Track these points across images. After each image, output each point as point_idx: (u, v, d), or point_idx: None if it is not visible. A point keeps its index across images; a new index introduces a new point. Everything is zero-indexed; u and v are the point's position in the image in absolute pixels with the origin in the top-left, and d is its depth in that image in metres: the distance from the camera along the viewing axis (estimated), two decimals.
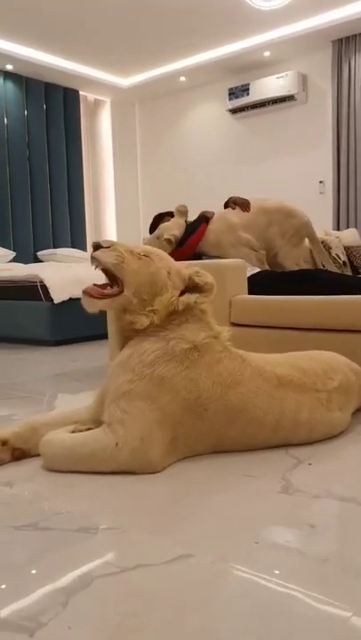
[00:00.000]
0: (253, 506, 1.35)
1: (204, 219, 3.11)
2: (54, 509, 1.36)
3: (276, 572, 1.05)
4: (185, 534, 1.21)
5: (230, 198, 3.30)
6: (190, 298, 1.69)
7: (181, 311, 1.68)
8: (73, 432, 1.68)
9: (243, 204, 3.20)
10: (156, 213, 3.39)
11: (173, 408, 1.57)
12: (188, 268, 1.76)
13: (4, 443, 1.69)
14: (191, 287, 1.73)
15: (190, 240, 3.00)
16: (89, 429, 1.70)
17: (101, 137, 7.54)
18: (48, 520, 1.30)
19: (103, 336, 4.28)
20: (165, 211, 3.34)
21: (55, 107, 6.80)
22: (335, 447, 1.76)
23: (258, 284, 2.83)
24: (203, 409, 1.61)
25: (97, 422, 1.73)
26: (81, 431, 1.69)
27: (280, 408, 1.69)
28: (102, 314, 3.37)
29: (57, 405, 2.57)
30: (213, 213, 3.17)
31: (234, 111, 6.55)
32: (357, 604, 0.94)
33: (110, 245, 1.70)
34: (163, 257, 1.75)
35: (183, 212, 3.16)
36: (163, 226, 3.12)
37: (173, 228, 3.08)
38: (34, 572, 1.07)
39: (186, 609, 0.94)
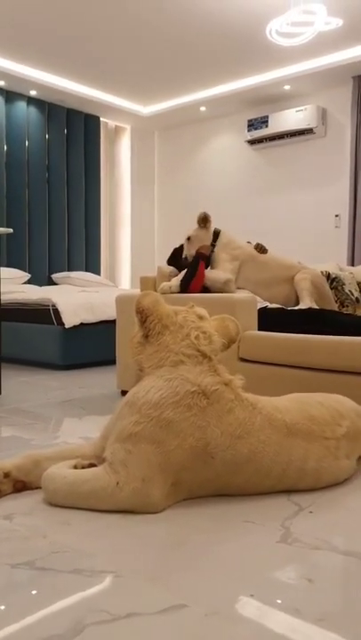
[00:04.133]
0: (251, 555, 1.33)
1: (201, 257, 3.12)
2: (51, 547, 1.35)
3: (269, 629, 1.03)
4: (180, 583, 1.19)
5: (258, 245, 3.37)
6: (137, 334, 1.77)
7: (166, 350, 1.70)
8: (75, 467, 1.68)
9: (261, 248, 3.27)
10: (177, 246, 3.41)
11: (179, 454, 1.57)
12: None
13: (7, 475, 1.69)
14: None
15: (193, 284, 3.02)
16: (91, 464, 1.70)
17: (120, 163, 7.65)
18: (44, 559, 1.29)
19: (112, 361, 4.29)
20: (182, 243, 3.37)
21: (76, 132, 6.92)
22: (338, 495, 1.74)
23: (265, 320, 2.83)
24: (210, 457, 1.60)
25: (100, 458, 1.73)
26: (83, 466, 1.69)
27: (288, 458, 1.68)
28: (112, 340, 3.41)
29: (60, 434, 2.57)
30: (209, 250, 3.19)
31: (252, 142, 6.62)
32: None
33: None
34: None
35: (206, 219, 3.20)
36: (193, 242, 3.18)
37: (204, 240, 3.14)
38: (27, 615, 1.07)
39: None
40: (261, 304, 3.05)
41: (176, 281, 3.06)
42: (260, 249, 3.28)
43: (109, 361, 4.47)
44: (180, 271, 3.25)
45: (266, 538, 1.43)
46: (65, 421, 2.84)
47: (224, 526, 1.50)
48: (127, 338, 1.82)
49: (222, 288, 3.09)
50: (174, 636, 1.01)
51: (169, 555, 1.33)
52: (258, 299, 3.06)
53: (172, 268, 3.30)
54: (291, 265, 3.46)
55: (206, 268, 3.13)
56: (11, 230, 3.31)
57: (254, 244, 3.34)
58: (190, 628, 1.03)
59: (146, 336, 1.73)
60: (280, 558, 1.31)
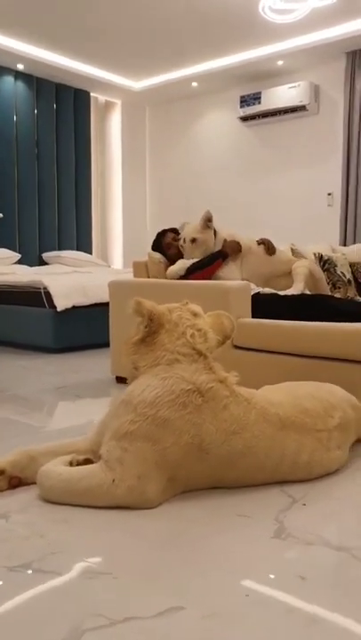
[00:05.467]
0: (246, 552, 1.35)
1: (224, 256, 3.07)
2: (48, 548, 1.37)
3: (264, 632, 1.05)
4: (176, 583, 1.21)
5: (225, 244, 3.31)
6: (134, 336, 1.77)
7: (162, 349, 1.71)
8: (70, 462, 1.70)
9: (270, 247, 3.25)
10: (160, 230, 3.39)
11: (175, 451, 1.58)
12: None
13: (2, 472, 1.70)
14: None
15: (202, 273, 2.99)
16: (87, 460, 1.72)
17: (111, 139, 7.54)
18: (41, 561, 1.31)
19: (106, 344, 4.29)
20: (169, 227, 3.34)
21: (65, 107, 6.80)
22: (331, 485, 1.76)
23: (258, 306, 2.83)
24: (205, 453, 1.62)
25: (95, 453, 1.74)
26: (78, 461, 1.71)
27: (281, 452, 1.70)
28: (106, 323, 3.40)
29: (54, 424, 2.58)
30: (236, 248, 3.14)
31: (245, 119, 6.54)
32: None
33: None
34: None
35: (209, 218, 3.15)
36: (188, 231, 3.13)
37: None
38: (25, 621, 1.08)
39: None
40: (254, 290, 3.04)
41: (183, 264, 3.03)
42: (268, 248, 3.24)
43: (103, 344, 4.46)
44: (167, 259, 3.23)
45: (260, 533, 1.45)
46: (62, 409, 2.85)
47: (219, 521, 1.52)
48: (123, 340, 1.81)
49: None
50: None
51: (165, 553, 1.35)
52: (252, 285, 3.05)
53: (160, 254, 3.27)
54: (289, 259, 3.45)
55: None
56: (0, 215, 3.27)
57: (259, 239, 3.29)
58: (188, 631, 1.06)
59: (144, 337, 1.73)
60: (274, 555, 1.34)
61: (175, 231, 3.25)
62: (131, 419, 1.59)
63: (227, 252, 3.07)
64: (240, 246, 3.14)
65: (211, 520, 1.53)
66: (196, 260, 3.04)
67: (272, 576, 1.25)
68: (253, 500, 1.65)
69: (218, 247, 3.10)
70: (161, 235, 3.32)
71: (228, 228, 3.28)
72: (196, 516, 1.54)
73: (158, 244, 3.30)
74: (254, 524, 1.51)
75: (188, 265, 3.00)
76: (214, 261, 3.02)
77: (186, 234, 3.08)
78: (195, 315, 1.80)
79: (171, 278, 3.02)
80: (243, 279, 3.13)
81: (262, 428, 1.69)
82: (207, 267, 3.00)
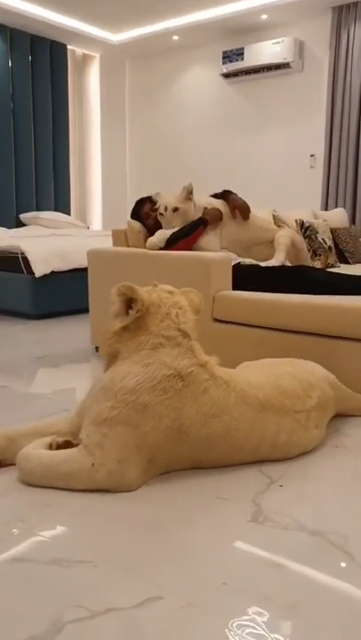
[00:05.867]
0: (223, 538, 1.38)
1: (205, 223, 3.02)
2: (29, 534, 1.38)
3: (242, 621, 1.09)
4: (155, 572, 1.24)
5: (232, 197, 3.23)
6: (116, 324, 1.72)
7: (147, 333, 1.69)
8: (50, 445, 1.70)
9: (244, 211, 3.17)
10: (138, 198, 3.32)
11: (155, 435, 1.59)
12: (114, 288, 1.74)
13: None
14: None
15: (184, 242, 2.94)
16: (67, 442, 1.72)
17: (89, 94, 7.30)
18: (22, 548, 1.32)
19: (85, 310, 4.26)
20: (147, 195, 3.27)
21: (41, 60, 6.54)
22: (307, 464, 1.80)
23: (238, 277, 2.81)
24: (185, 435, 1.63)
25: (75, 435, 1.75)
26: (58, 443, 1.71)
27: (260, 434, 1.73)
28: (85, 289, 3.36)
29: (34, 390, 2.57)
30: (218, 216, 3.09)
31: (227, 75, 6.36)
32: None
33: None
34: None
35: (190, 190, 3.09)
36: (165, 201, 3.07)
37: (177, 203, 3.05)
38: (5, 613, 1.10)
39: None
40: (235, 260, 3.02)
41: (163, 235, 2.99)
42: (242, 212, 3.17)
43: (82, 309, 4.43)
44: (147, 229, 3.18)
45: (238, 517, 1.48)
46: (37, 383, 2.85)
47: (197, 504, 1.55)
48: (102, 331, 1.78)
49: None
50: (153, 631, 1.06)
51: (144, 540, 1.37)
52: (232, 255, 3.03)
53: (139, 224, 3.22)
54: (270, 227, 3.42)
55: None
56: None
57: (231, 204, 3.22)
58: (167, 621, 1.08)
59: (127, 325, 1.70)
60: (251, 541, 1.37)
61: (153, 200, 3.19)
62: (111, 405, 1.59)
63: (207, 220, 3.03)
64: (221, 214, 3.10)
65: (190, 503, 1.55)
66: (175, 229, 3.00)
67: (249, 563, 1.28)
68: (232, 481, 1.68)
69: (198, 215, 3.05)
70: (139, 204, 3.26)
71: (205, 197, 3.22)
72: (175, 499, 1.57)
73: (137, 213, 3.24)
74: (232, 506, 1.54)
75: (168, 235, 2.96)
76: (195, 229, 2.97)
77: (167, 202, 3.03)
78: (170, 293, 1.78)
79: (150, 248, 2.99)
80: (222, 248, 3.11)
81: (242, 411, 1.71)
82: (188, 236, 2.96)
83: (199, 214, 3.05)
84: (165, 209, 3.02)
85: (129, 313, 1.68)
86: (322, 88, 5.91)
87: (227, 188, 3.36)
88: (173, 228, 3.02)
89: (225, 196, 3.25)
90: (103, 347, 1.75)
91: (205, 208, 3.09)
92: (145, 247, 3.05)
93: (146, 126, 7.37)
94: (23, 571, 1.24)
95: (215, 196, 3.29)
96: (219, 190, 3.35)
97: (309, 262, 3.58)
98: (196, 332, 1.78)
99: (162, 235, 2.98)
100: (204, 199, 3.18)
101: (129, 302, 1.71)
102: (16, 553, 1.31)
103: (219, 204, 3.17)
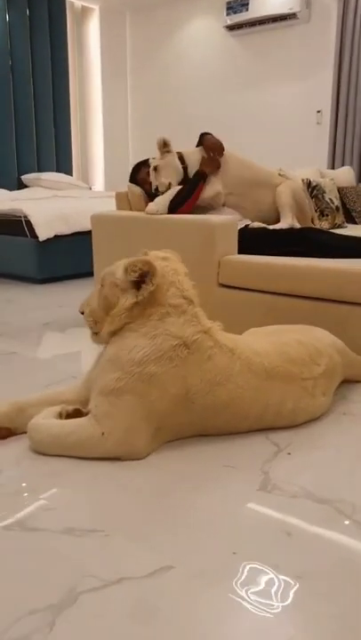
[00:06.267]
0: (232, 506, 1.40)
1: (203, 176, 2.95)
2: (41, 504, 1.41)
3: (252, 590, 1.11)
4: (165, 541, 1.26)
5: (206, 137, 3.11)
6: (128, 301, 1.66)
7: (156, 305, 1.66)
8: (60, 413, 1.71)
9: (216, 147, 3.05)
10: (135, 163, 3.25)
11: (162, 403, 1.60)
12: (127, 264, 1.68)
13: None
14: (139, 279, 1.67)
15: (187, 204, 2.88)
16: (76, 410, 1.73)
17: (89, 49, 7.09)
18: (36, 518, 1.35)
19: (89, 274, 4.24)
20: (145, 158, 3.19)
21: (39, 14, 6.32)
22: (315, 432, 1.81)
23: (245, 241, 2.78)
24: (190, 402, 1.64)
25: (84, 403, 1.76)
26: (68, 412, 1.72)
27: (265, 401, 1.73)
28: (89, 252, 3.34)
29: (41, 365, 2.58)
30: (215, 164, 3.00)
31: (231, 28, 6.16)
32: (324, 629, 1.01)
33: (83, 311, 1.82)
34: (110, 272, 1.73)
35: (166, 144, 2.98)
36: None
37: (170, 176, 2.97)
38: (22, 583, 1.13)
39: (167, 631, 1.01)
40: (242, 223, 2.98)
41: (162, 200, 2.92)
42: (215, 148, 3.04)
43: (86, 273, 4.41)
44: (147, 194, 3.11)
45: (246, 485, 1.50)
46: (50, 347, 2.86)
47: (205, 473, 1.56)
48: (110, 315, 1.71)
49: (210, 203, 3.00)
50: (165, 601, 1.08)
51: (154, 508, 1.39)
52: (238, 216, 2.98)
53: (140, 188, 3.15)
54: (271, 172, 3.35)
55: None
56: None
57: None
58: (179, 591, 1.11)
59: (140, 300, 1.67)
60: (260, 509, 1.39)
61: (149, 164, 3.12)
62: (117, 376, 1.59)
63: (205, 172, 2.96)
64: (218, 162, 3.02)
65: (198, 472, 1.57)
66: (172, 191, 2.93)
67: (258, 532, 1.30)
68: (239, 449, 1.69)
69: (191, 166, 2.99)
70: (135, 169, 3.19)
71: (194, 150, 3.10)
72: (183, 467, 1.59)
73: (134, 178, 3.18)
74: (240, 475, 1.55)
75: (168, 202, 2.89)
76: (195, 187, 2.91)
77: (150, 162, 3.00)
78: (165, 260, 1.75)
79: (150, 214, 2.92)
80: (228, 193, 3.04)
81: (247, 379, 1.71)
82: (189, 197, 2.91)
83: (195, 164, 2.97)
84: (148, 174, 2.99)
85: (141, 287, 1.65)
86: (330, 40, 5.72)
87: (205, 131, 3.25)
88: (167, 187, 2.95)
89: (201, 140, 3.14)
90: (111, 325, 1.69)
91: (203, 158, 3.01)
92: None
93: (148, 82, 7.18)
94: (37, 540, 1.27)
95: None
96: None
97: (310, 216, 3.48)
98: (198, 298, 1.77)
99: (161, 200, 2.91)
100: (185, 150, 3.09)
101: (142, 277, 1.67)
102: (29, 522, 1.33)
103: (197, 151, 3.08)
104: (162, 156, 2.96)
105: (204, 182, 2.94)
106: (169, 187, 2.95)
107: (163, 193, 2.94)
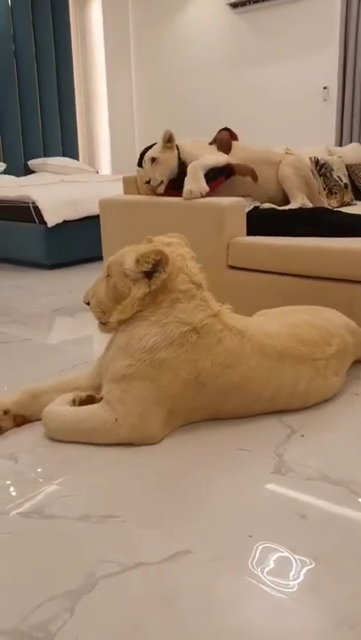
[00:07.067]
0: (247, 490, 1.41)
1: (227, 173, 2.85)
2: (58, 491, 1.42)
3: (269, 572, 1.12)
4: (181, 526, 1.27)
5: (219, 134, 3.07)
6: (140, 290, 1.66)
7: (166, 292, 1.66)
8: (73, 400, 1.72)
9: (224, 146, 3.00)
10: (144, 147, 3.21)
11: (173, 387, 1.61)
12: (138, 255, 1.67)
13: (6, 412, 1.73)
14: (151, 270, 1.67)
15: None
16: (89, 396, 1.74)
17: (92, 32, 6.99)
18: (53, 505, 1.36)
19: (98, 258, 4.24)
20: (154, 142, 3.15)
21: None
22: (328, 413, 1.81)
23: (254, 222, 2.75)
24: (202, 385, 1.64)
25: (96, 389, 1.77)
26: (81, 398, 1.73)
27: (278, 382, 1.73)
28: (97, 237, 3.33)
29: (54, 350, 2.59)
30: (249, 171, 2.94)
31: (234, 5, 6.04)
32: (340, 610, 1.02)
33: (88, 302, 1.82)
34: (118, 262, 1.72)
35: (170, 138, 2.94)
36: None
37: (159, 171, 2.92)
38: (41, 569, 1.15)
39: (186, 614, 1.02)
40: (250, 205, 2.95)
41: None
42: (222, 143, 2.99)
43: (96, 258, 4.40)
44: None
45: (260, 468, 1.50)
46: (61, 333, 2.87)
47: (219, 456, 1.57)
48: (122, 305, 1.70)
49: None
50: (182, 585, 1.09)
51: (169, 493, 1.40)
52: (248, 199, 2.95)
53: None
54: (274, 151, 3.30)
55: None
56: None
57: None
58: (197, 575, 1.12)
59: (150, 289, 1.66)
60: (275, 491, 1.40)
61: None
62: (128, 363, 1.60)
63: (233, 170, 2.87)
64: (253, 171, 2.95)
65: (212, 456, 1.58)
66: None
67: (274, 515, 1.31)
68: (253, 432, 1.70)
69: (187, 156, 2.91)
70: (144, 154, 3.15)
71: (191, 141, 3.03)
72: (197, 452, 1.59)
73: (142, 163, 3.15)
74: (254, 458, 1.56)
75: (202, 177, 2.80)
76: (216, 178, 2.86)
77: (147, 154, 2.94)
78: (169, 245, 1.74)
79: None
80: None
81: (259, 361, 1.71)
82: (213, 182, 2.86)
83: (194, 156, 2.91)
84: (144, 161, 2.95)
85: (153, 276, 1.65)
86: (335, 15, 5.58)
87: (226, 126, 3.21)
88: (158, 184, 2.90)
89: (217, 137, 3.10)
90: (122, 314, 1.68)
91: (237, 165, 2.94)
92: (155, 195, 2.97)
93: (152, 63, 7.09)
94: (54, 527, 1.28)
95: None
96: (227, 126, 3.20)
97: (317, 190, 3.40)
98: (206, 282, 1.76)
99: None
100: (192, 145, 3.03)
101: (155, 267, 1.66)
102: (46, 509, 1.35)
103: (202, 149, 2.99)
104: (163, 149, 2.92)
105: (225, 179, 2.87)
106: (160, 184, 2.93)
107: (153, 187, 2.91)
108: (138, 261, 1.65)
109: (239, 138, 3.22)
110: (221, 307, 1.74)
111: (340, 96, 5.62)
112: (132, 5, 7.08)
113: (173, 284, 1.66)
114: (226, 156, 2.92)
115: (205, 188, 2.73)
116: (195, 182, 2.74)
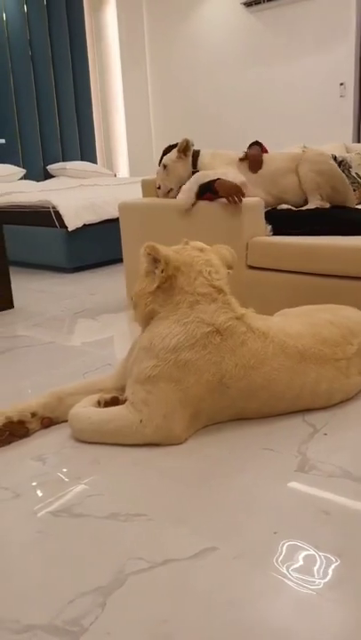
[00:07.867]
0: (272, 488, 1.43)
1: (213, 191, 2.77)
2: (86, 491, 1.46)
3: (294, 568, 1.14)
4: (207, 523, 1.30)
5: (252, 148, 3.09)
6: (151, 285, 1.72)
7: (183, 292, 1.70)
8: (98, 402, 1.76)
9: (254, 163, 3.00)
10: (167, 146, 3.23)
11: (197, 389, 1.64)
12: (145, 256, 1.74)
13: (33, 414, 1.78)
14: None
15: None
16: (114, 398, 1.78)
17: (107, 35, 7.05)
18: (81, 504, 1.40)
19: (118, 260, 4.28)
20: (176, 142, 3.18)
21: (56, 3, 6.29)
22: (351, 411, 1.82)
23: (270, 223, 2.77)
24: (225, 387, 1.67)
25: (121, 390, 1.81)
26: (106, 400, 1.77)
27: (301, 382, 1.75)
28: (117, 239, 3.39)
29: (77, 353, 2.64)
30: (233, 189, 2.80)
31: (248, 4, 6.06)
32: None
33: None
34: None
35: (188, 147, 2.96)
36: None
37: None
38: (72, 567, 1.18)
39: (214, 610, 1.05)
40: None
41: (189, 191, 2.89)
42: (251, 164, 2.98)
43: (116, 260, 4.45)
44: None
45: (284, 466, 1.52)
46: (84, 335, 2.91)
47: (243, 456, 1.60)
48: (135, 293, 1.79)
49: None
50: (209, 581, 1.12)
51: (194, 491, 1.43)
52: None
53: None
54: (294, 156, 3.28)
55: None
56: (2, 141, 3.15)
57: (243, 154, 3.04)
58: (223, 571, 1.15)
59: (161, 284, 1.71)
60: (298, 489, 1.42)
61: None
62: (153, 364, 1.63)
63: (218, 191, 2.74)
64: (239, 188, 2.77)
65: (236, 455, 1.60)
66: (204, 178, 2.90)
67: (298, 512, 1.33)
68: (276, 431, 1.72)
69: (204, 167, 2.94)
70: (168, 149, 3.18)
71: (212, 151, 3.04)
72: (221, 451, 1.62)
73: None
74: (278, 457, 1.58)
75: (196, 190, 2.84)
76: (203, 193, 2.82)
77: (163, 160, 2.99)
78: (202, 251, 1.78)
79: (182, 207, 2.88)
80: (266, 193, 2.99)
81: (281, 362, 1.73)
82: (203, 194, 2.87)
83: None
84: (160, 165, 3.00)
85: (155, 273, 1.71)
86: (350, 10, 5.57)
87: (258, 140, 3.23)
88: (167, 193, 3.01)
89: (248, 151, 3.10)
90: (139, 308, 1.76)
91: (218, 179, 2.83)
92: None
93: (167, 63, 7.12)
94: (84, 525, 1.32)
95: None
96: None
97: (345, 181, 3.32)
98: (230, 287, 1.79)
99: (188, 191, 2.88)
100: (209, 151, 3.04)
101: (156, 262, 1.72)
102: (75, 508, 1.38)
103: (227, 164, 2.99)
104: (176, 158, 2.95)
105: (212, 196, 2.81)
106: (170, 191, 2.97)
107: (162, 195, 3.00)
108: (142, 252, 1.72)
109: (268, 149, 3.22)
110: (246, 310, 1.77)
111: (357, 92, 5.60)
112: (146, 8, 7.13)
113: (191, 286, 1.70)
114: (237, 174, 2.90)
115: (190, 201, 2.83)
116: (183, 194, 2.86)
